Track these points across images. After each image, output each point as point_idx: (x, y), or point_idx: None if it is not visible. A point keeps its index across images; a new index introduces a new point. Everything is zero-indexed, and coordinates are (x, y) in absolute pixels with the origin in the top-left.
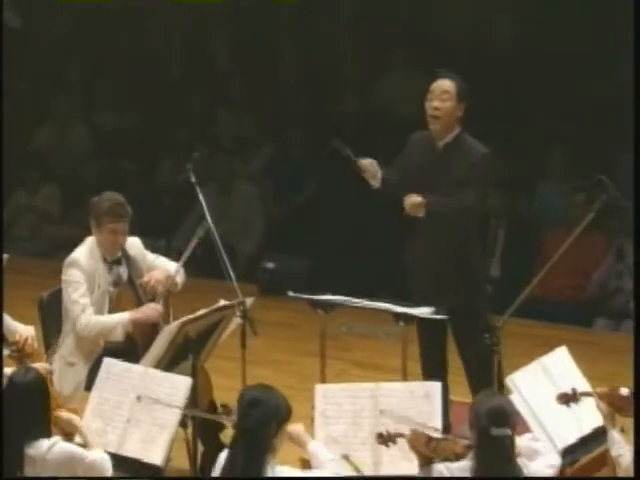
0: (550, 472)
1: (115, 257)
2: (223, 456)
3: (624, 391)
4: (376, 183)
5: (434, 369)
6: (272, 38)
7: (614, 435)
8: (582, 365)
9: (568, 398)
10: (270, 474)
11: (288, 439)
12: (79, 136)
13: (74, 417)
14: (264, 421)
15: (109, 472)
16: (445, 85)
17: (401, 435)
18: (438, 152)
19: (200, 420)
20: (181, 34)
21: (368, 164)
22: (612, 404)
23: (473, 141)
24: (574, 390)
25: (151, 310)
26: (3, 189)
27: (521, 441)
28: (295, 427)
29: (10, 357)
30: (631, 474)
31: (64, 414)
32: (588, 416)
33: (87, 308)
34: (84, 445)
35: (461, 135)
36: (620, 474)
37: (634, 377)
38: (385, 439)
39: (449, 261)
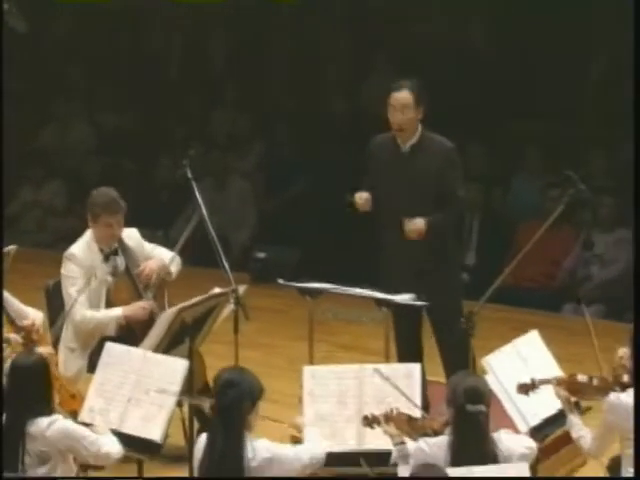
0: (526, 452)
1: (112, 248)
2: (202, 438)
3: (581, 377)
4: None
5: (409, 353)
6: (264, 43)
7: (572, 419)
8: (552, 347)
9: (527, 388)
10: (249, 449)
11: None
12: (82, 135)
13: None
14: (238, 400)
15: (115, 456)
16: (404, 98)
17: (384, 417)
18: (405, 154)
19: (196, 400)
20: (179, 39)
21: (364, 203)
22: (571, 390)
23: (436, 137)
24: (533, 380)
25: (140, 309)
26: (5, 186)
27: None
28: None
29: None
30: (593, 456)
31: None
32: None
33: (82, 304)
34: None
35: (424, 134)
36: (584, 454)
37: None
38: (370, 421)
39: (427, 250)
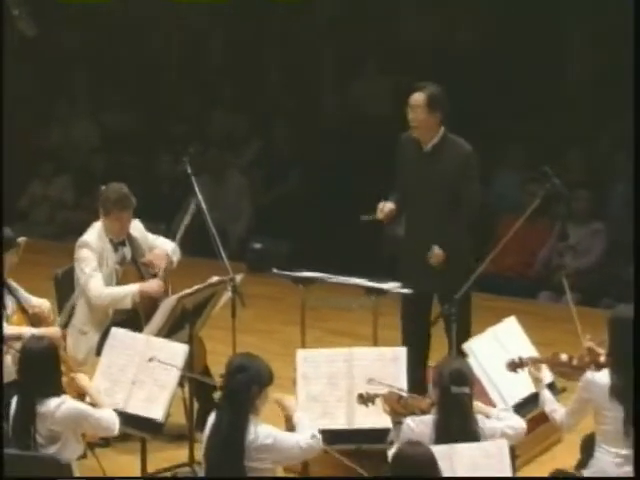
0: (508, 431)
1: (120, 239)
2: (212, 417)
3: (563, 356)
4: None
5: (415, 339)
6: (260, 46)
7: (544, 395)
8: (529, 332)
9: (515, 366)
10: (253, 432)
11: (279, 407)
12: (87, 133)
13: (82, 378)
14: (247, 384)
15: (115, 429)
16: (416, 99)
17: (378, 395)
18: (426, 154)
19: (195, 381)
20: (178, 43)
21: (388, 213)
22: (553, 369)
23: (457, 140)
24: (520, 358)
25: (156, 284)
26: (16, 181)
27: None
28: (286, 399)
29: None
30: (565, 429)
31: (77, 376)
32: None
33: (99, 280)
34: (93, 404)
35: (445, 136)
36: (556, 427)
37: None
38: (365, 399)
39: (442, 247)
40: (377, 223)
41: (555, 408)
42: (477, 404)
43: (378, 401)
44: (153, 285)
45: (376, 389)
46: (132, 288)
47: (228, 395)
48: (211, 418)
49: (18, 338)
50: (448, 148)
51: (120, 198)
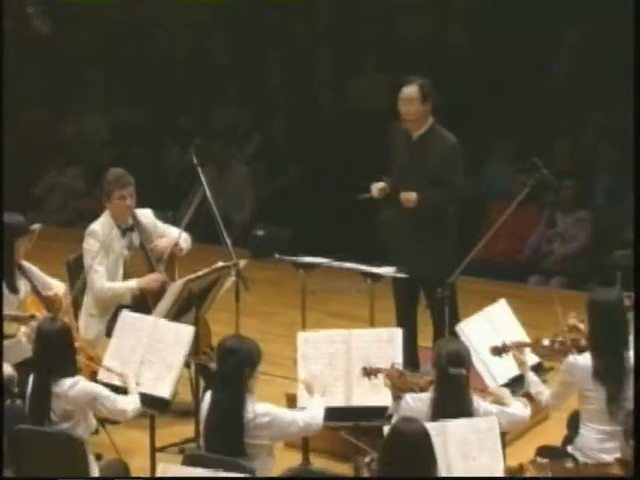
0: (503, 422)
1: (128, 225)
2: (207, 396)
3: (545, 341)
4: (386, 192)
5: (407, 324)
6: (260, 45)
7: (529, 377)
8: (518, 315)
9: (500, 350)
10: (251, 410)
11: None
12: (98, 126)
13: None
14: (239, 367)
15: (129, 414)
16: (410, 92)
17: (380, 370)
18: (414, 142)
19: (206, 361)
20: (184, 42)
21: (381, 191)
22: (536, 352)
23: (444, 131)
24: (504, 343)
25: (153, 281)
26: (32, 171)
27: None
28: (312, 382)
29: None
30: (550, 410)
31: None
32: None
33: (102, 275)
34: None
35: (434, 126)
36: (541, 408)
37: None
38: (368, 372)
39: (425, 227)
40: (372, 201)
41: (540, 390)
42: (497, 391)
43: (380, 376)
44: (150, 281)
45: (379, 364)
46: (131, 284)
47: (222, 378)
48: (206, 398)
49: (32, 317)
50: (435, 138)
51: (118, 177)
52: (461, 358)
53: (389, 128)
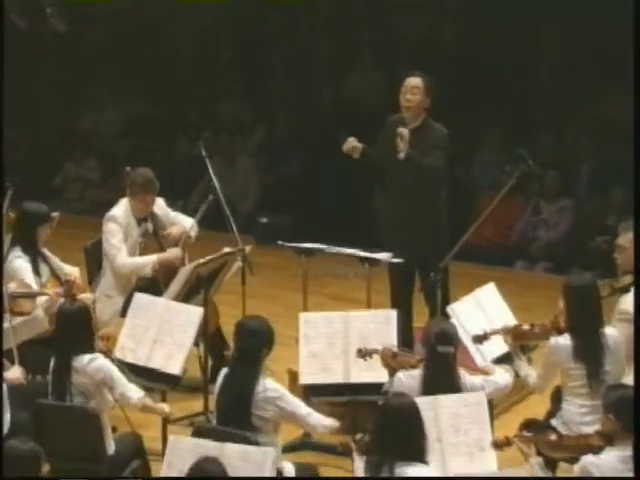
0: (490, 390)
1: (144, 216)
2: (223, 372)
3: (525, 326)
4: (357, 155)
5: (402, 306)
6: (263, 43)
7: (518, 362)
8: (506, 297)
9: (480, 339)
10: (261, 385)
11: None
12: (112, 120)
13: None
14: (259, 348)
15: (132, 400)
16: (415, 82)
17: (375, 351)
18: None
19: (209, 340)
20: (192, 40)
21: (352, 148)
22: (517, 337)
23: (435, 125)
24: (485, 332)
25: (173, 254)
26: (52, 162)
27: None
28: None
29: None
30: (538, 391)
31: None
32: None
33: (123, 251)
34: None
35: (426, 120)
36: (529, 390)
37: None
38: (363, 353)
39: (419, 210)
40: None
41: (529, 373)
42: (484, 368)
43: (375, 356)
44: (170, 254)
45: (374, 345)
46: (152, 258)
47: (241, 355)
48: (223, 372)
49: (44, 293)
50: (427, 131)
51: (146, 182)
52: (449, 337)
53: (386, 120)
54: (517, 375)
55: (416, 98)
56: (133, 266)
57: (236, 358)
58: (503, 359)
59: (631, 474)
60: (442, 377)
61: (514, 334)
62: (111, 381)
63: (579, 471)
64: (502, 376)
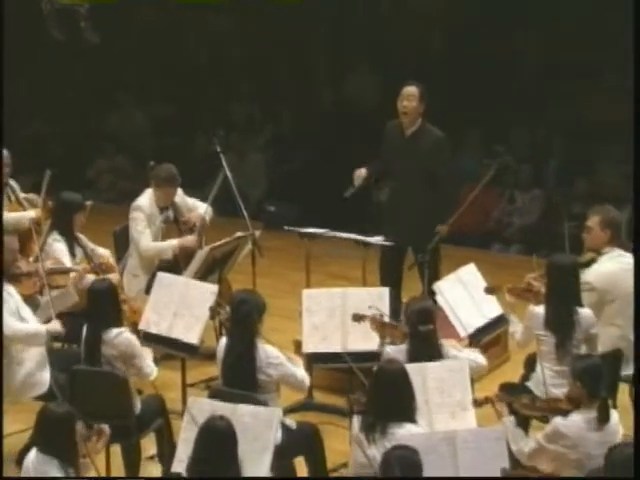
0: (473, 364)
1: (165, 205)
2: (222, 341)
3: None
4: (366, 182)
5: (390, 280)
6: (271, 50)
7: (511, 318)
8: (484, 275)
9: (490, 290)
10: (263, 351)
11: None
12: (139, 120)
13: None
14: (249, 314)
15: (149, 375)
16: (411, 90)
17: (368, 316)
18: (407, 138)
19: (221, 312)
20: (208, 48)
21: (365, 180)
22: (519, 296)
23: (432, 128)
24: (494, 286)
25: (191, 240)
26: (85, 156)
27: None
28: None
29: (92, 271)
30: (521, 345)
31: None
32: (489, 309)
33: (147, 236)
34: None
35: (423, 125)
36: (514, 345)
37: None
38: (357, 317)
39: (416, 208)
40: (358, 192)
41: (517, 329)
42: (456, 344)
43: (367, 321)
44: (189, 240)
45: (368, 312)
46: (173, 243)
47: (235, 323)
48: (222, 342)
49: (72, 270)
50: (425, 134)
51: (169, 177)
52: (428, 315)
53: (385, 126)
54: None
55: (412, 105)
56: (156, 250)
57: (232, 327)
58: (483, 330)
59: (595, 434)
60: (425, 352)
61: (510, 292)
62: (132, 354)
63: (550, 430)
64: (480, 357)
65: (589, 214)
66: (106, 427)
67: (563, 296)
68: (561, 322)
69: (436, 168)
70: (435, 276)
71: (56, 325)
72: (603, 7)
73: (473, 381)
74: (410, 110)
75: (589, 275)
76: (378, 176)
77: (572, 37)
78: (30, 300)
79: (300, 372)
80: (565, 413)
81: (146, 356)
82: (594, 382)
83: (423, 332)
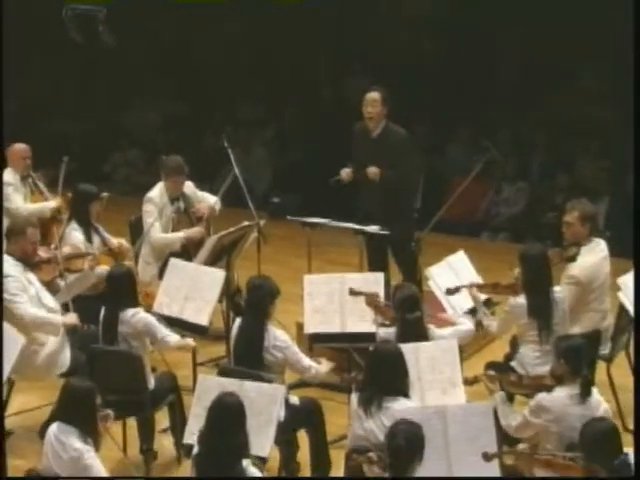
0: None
1: (176, 196)
2: (237, 322)
3: (489, 284)
4: (350, 178)
5: (377, 266)
6: (275, 52)
7: (482, 312)
8: (473, 261)
9: (452, 291)
10: (272, 333)
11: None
12: (152, 117)
13: None
14: (263, 298)
15: (170, 343)
16: (374, 96)
17: (362, 293)
18: (373, 139)
19: (231, 297)
20: (216, 50)
21: (348, 174)
22: (481, 291)
23: (395, 127)
24: (456, 285)
25: (197, 232)
26: (102, 151)
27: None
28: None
29: (108, 255)
30: (497, 335)
31: None
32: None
33: (157, 228)
34: None
35: (387, 125)
36: (490, 338)
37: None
38: (353, 292)
39: (387, 197)
40: (340, 183)
41: (490, 323)
42: (448, 318)
43: (360, 310)
44: (195, 231)
45: (364, 290)
46: (180, 234)
47: (249, 307)
48: (236, 323)
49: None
50: (389, 134)
51: (176, 166)
52: (414, 302)
53: (353, 128)
54: (481, 325)
55: (376, 110)
56: (164, 241)
57: (246, 309)
58: (473, 311)
59: (577, 408)
60: (413, 336)
61: (479, 288)
62: (152, 330)
63: (534, 404)
64: (465, 324)
65: (567, 210)
66: (110, 412)
67: (539, 282)
68: (542, 306)
69: (401, 163)
70: (414, 263)
71: (72, 318)
72: (583, 11)
73: (462, 360)
74: (374, 115)
75: (574, 269)
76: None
77: (553, 41)
78: (51, 286)
79: (307, 361)
80: (549, 389)
81: (162, 328)
82: (576, 360)
83: (410, 320)
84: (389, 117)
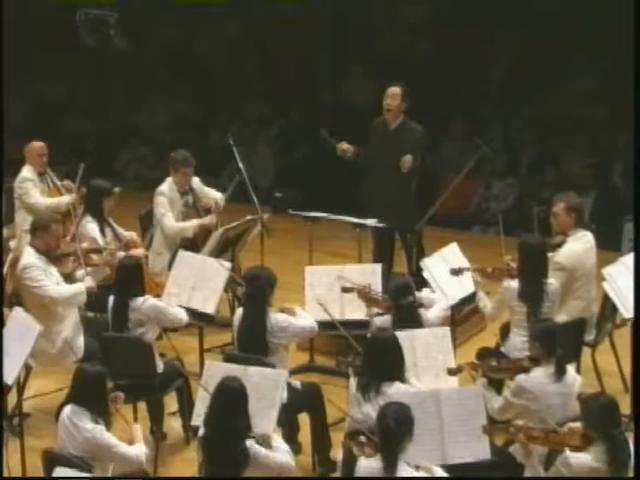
0: (442, 315)
1: (185, 190)
2: (238, 311)
3: (488, 269)
4: (351, 157)
5: (383, 256)
6: (279, 55)
7: (480, 294)
8: (465, 254)
9: (456, 272)
10: (273, 318)
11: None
12: (161, 116)
13: None
14: (262, 288)
15: (183, 320)
16: (395, 90)
17: (353, 289)
18: (390, 133)
19: (236, 287)
20: (222, 53)
21: (344, 147)
22: (485, 276)
23: (412, 123)
24: (460, 267)
25: (209, 219)
26: (113, 148)
27: (422, 294)
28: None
29: (122, 248)
30: (490, 319)
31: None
32: (469, 284)
33: (170, 218)
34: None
35: (405, 120)
36: (486, 319)
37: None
38: (347, 290)
39: (396, 192)
40: (328, 143)
41: (486, 304)
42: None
43: (355, 293)
44: (208, 219)
45: (356, 285)
46: (194, 222)
47: (249, 296)
48: (238, 312)
49: (105, 248)
50: (406, 129)
51: (184, 158)
52: (407, 288)
53: (372, 122)
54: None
55: (395, 102)
56: (179, 228)
57: (246, 299)
58: (465, 301)
59: (554, 386)
60: (406, 321)
61: (481, 272)
62: (164, 313)
63: (514, 386)
64: (442, 300)
65: (555, 201)
66: (120, 394)
67: (533, 270)
68: (532, 293)
69: (415, 157)
70: (421, 254)
71: (89, 281)
72: (571, 10)
73: (455, 347)
74: (393, 107)
75: (559, 256)
76: (359, 159)
77: (542, 41)
78: (69, 279)
79: (304, 322)
80: (527, 371)
81: (171, 309)
82: (550, 341)
83: (403, 305)
84: (407, 113)
